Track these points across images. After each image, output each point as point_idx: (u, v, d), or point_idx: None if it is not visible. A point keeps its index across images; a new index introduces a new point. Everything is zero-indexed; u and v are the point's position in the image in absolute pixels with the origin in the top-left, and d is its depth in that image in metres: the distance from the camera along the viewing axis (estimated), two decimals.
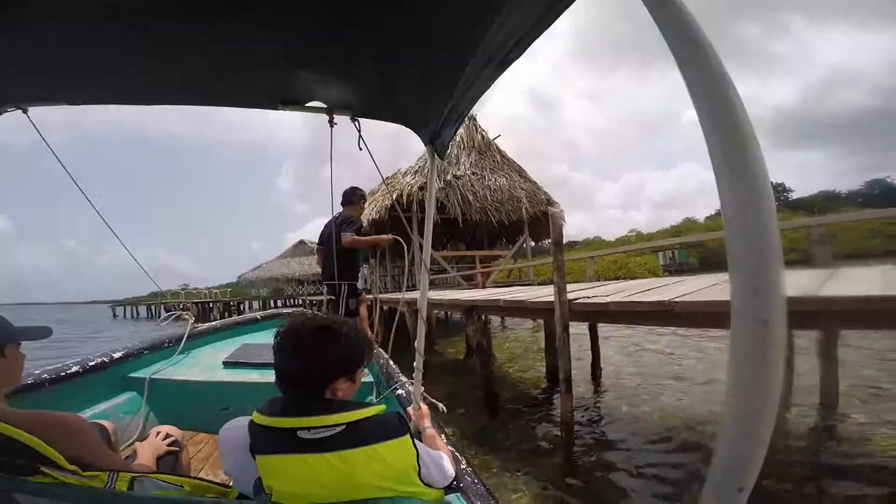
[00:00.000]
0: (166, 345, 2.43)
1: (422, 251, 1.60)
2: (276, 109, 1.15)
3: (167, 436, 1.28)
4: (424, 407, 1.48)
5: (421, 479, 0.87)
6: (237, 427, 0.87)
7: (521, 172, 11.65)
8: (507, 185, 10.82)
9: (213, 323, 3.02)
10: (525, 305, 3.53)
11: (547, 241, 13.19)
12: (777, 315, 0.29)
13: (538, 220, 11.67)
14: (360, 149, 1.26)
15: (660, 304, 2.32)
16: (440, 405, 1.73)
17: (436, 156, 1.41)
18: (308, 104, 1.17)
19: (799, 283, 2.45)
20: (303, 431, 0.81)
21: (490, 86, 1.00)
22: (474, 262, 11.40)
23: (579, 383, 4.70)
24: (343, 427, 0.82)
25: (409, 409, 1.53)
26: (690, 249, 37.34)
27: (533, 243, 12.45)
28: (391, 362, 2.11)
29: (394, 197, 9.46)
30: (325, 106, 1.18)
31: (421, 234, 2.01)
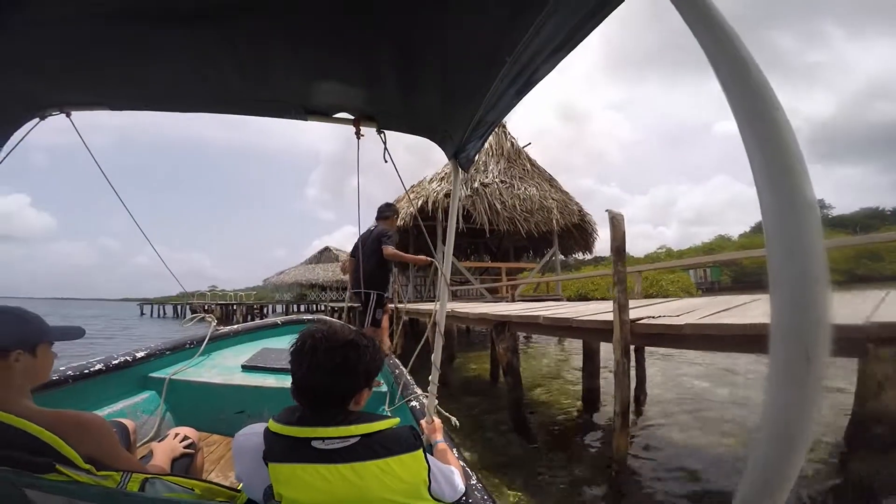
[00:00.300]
0: (188, 346, 2.44)
1: (443, 262, 1.62)
2: (304, 119, 1.17)
3: (184, 437, 1.29)
4: (437, 420, 1.48)
5: (430, 494, 0.87)
6: (252, 433, 0.88)
7: (551, 182, 11.28)
8: (537, 194, 10.46)
9: (235, 326, 3.01)
10: (571, 324, 3.15)
11: (575, 255, 12.70)
12: (821, 344, 0.27)
13: (569, 232, 11.28)
14: (386, 161, 1.27)
15: (755, 328, 1.91)
16: (453, 419, 1.71)
17: (460, 169, 1.41)
18: (335, 115, 1.18)
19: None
20: (317, 441, 0.81)
21: (517, 102, 0.99)
22: (499, 274, 11.05)
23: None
24: (357, 439, 0.82)
25: (423, 421, 1.53)
26: (723, 268, 35.90)
27: (563, 257, 11.98)
28: (406, 373, 2.10)
29: (419, 204, 9.25)
30: (351, 117, 1.20)
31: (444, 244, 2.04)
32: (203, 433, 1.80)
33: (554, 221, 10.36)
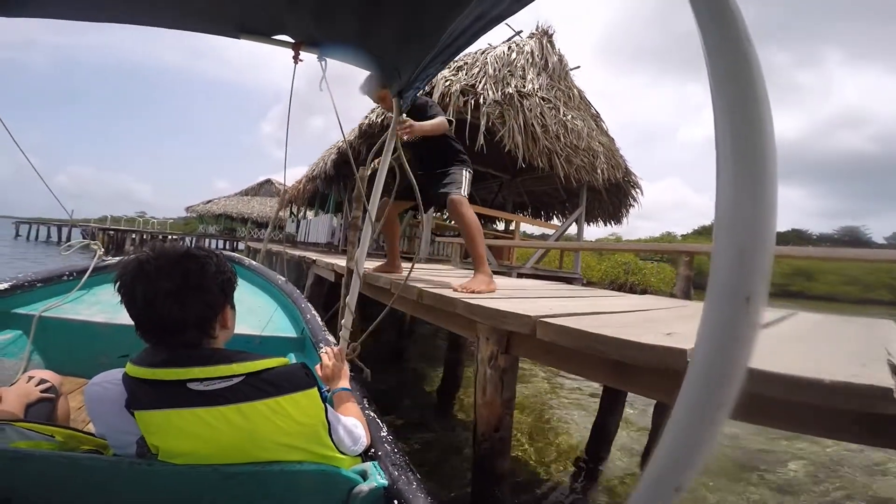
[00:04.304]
0: (65, 278, 2.05)
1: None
2: (237, 38, 1.08)
3: (42, 381, 1.09)
4: (345, 366, 1.30)
5: (332, 441, 0.81)
6: (107, 382, 0.75)
7: (598, 121, 8.18)
8: (585, 129, 7.34)
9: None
10: None
11: (594, 224, 9.89)
12: (746, 354, 0.26)
13: (598, 192, 8.38)
14: (321, 90, 1.18)
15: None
16: (366, 370, 1.50)
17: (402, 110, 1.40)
18: (274, 37, 1.09)
19: None
20: (194, 383, 0.71)
21: (475, 41, 0.96)
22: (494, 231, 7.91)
23: None
24: (242, 378, 0.74)
25: (317, 366, 1.28)
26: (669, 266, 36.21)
27: (587, 225, 9.08)
28: (318, 318, 1.94)
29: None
30: (291, 41, 1.11)
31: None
32: (80, 379, 1.57)
33: (599, 171, 7.36)
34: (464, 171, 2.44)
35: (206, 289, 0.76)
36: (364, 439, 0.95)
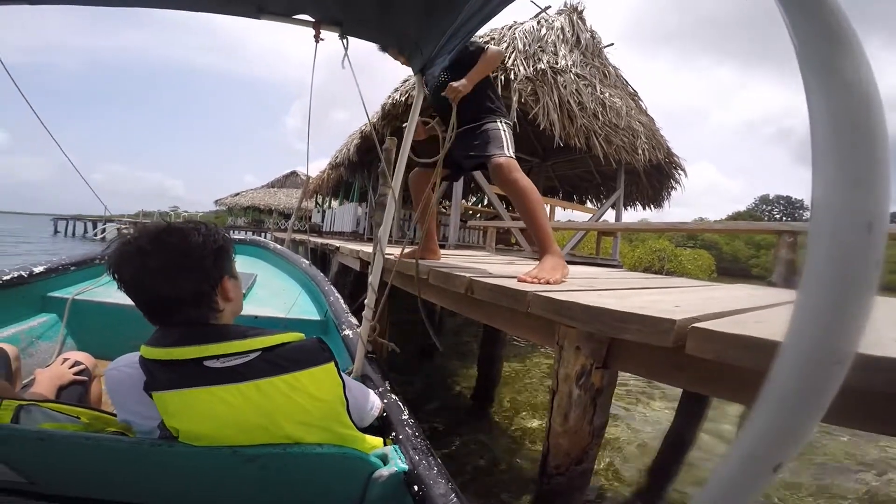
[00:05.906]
0: (97, 262, 2.08)
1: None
2: (256, 18, 1.07)
3: (76, 363, 1.10)
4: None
5: (350, 416, 0.79)
6: (126, 365, 0.75)
7: (636, 99, 7.67)
8: (624, 108, 6.86)
9: None
10: None
11: (632, 209, 9.36)
12: (847, 357, 0.21)
13: (637, 175, 7.91)
14: (343, 68, 1.15)
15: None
16: (391, 345, 1.51)
17: (425, 87, 1.42)
18: (294, 16, 1.09)
19: None
20: (210, 360, 0.70)
21: (500, 11, 0.93)
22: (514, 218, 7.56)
23: None
24: (258, 353, 0.72)
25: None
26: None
27: (624, 209, 8.58)
28: (341, 300, 1.92)
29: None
30: (311, 19, 1.11)
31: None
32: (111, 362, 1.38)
33: (640, 152, 6.89)
34: (499, 124, 1.94)
35: (194, 261, 0.74)
36: (373, 396, 0.99)
